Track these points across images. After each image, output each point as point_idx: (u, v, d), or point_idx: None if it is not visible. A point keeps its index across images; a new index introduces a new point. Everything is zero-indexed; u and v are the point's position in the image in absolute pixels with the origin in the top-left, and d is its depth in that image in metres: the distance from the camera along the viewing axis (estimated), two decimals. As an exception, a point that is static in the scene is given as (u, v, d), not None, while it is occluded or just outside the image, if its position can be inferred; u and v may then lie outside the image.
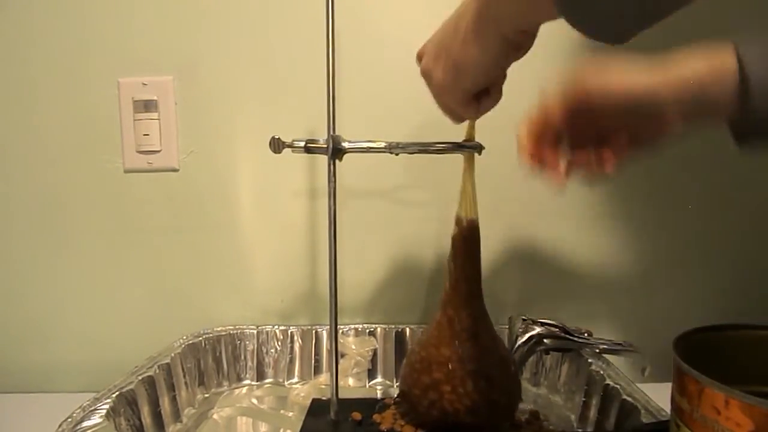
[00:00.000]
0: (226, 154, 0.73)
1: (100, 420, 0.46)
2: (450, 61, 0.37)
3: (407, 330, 0.72)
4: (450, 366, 0.49)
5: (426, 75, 0.41)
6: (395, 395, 0.60)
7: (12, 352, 0.75)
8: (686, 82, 0.38)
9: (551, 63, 0.69)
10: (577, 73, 0.40)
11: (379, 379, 0.70)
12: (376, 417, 0.55)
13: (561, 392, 0.64)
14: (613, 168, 0.40)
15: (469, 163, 0.51)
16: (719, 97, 0.38)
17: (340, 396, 0.56)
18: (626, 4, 0.25)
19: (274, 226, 0.74)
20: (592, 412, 0.56)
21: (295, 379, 0.71)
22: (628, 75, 0.39)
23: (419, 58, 0.42)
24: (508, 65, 0.37)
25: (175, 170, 0.73)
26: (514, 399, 0.52)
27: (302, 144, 0.53)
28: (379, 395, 0.67)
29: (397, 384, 0.70)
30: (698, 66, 0.38)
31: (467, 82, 0.38)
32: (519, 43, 0.35)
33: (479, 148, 0.51)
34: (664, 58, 0.39)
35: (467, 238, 0.50)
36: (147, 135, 0.72)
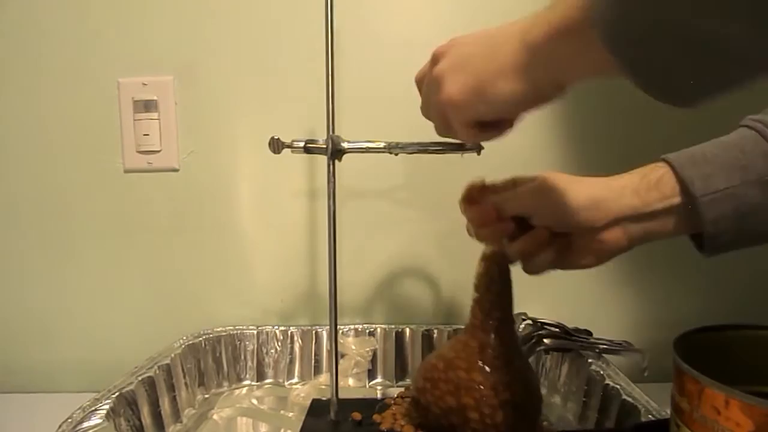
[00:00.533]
0: (226, 154, 0.73)
1: (100, 420, 0.46)
2: (473, 83, 0.34)
3: (407, 330, 0.72)
4: (481, 394, 0.46)
5: (437, 80, 0.37)
6: (395, 395, 0.60)
7: (12, 352, 0.75)
8: (624, 189, 0.41)
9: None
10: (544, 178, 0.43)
11: (379, 379, 0.70)
12: (376, 417, 0.55)
13: (561, 392, 0.64)
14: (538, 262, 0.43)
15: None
16: (657, 203, 0.40)
17: (340, 396, 0.56)
18: (706, 72, 0.23)
19: (274, 226, 0.74)
20: (592, 412, 0.56)
21: (295, 380, 0.71)
22: (578, 185, 0.42)
23: (437, 58, 0.38)
24: (531, 111, 0.35)
25: (175, 170, 0.73)
26: (536, 424, 0.50)
27: (302, 144, 0.53)
28: (379, 395, 0.67)
29: (398, 384, 0.70)
30: (633, 177, 0.42)
31: (482, 110, 0.35)
32: (549, 96, 0.33)
33: (479, 148, 0.51)
34: (605, 176, 0.43)
35: (504, 268, 0.48)
36: (147, 135, 0.72)
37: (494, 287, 0.48)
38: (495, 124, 0.37)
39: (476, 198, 0.45)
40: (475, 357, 0.47)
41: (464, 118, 0.36)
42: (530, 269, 0.44)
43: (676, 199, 0.39)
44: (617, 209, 0.41)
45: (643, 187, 0.41)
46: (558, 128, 0.72)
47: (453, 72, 0.35)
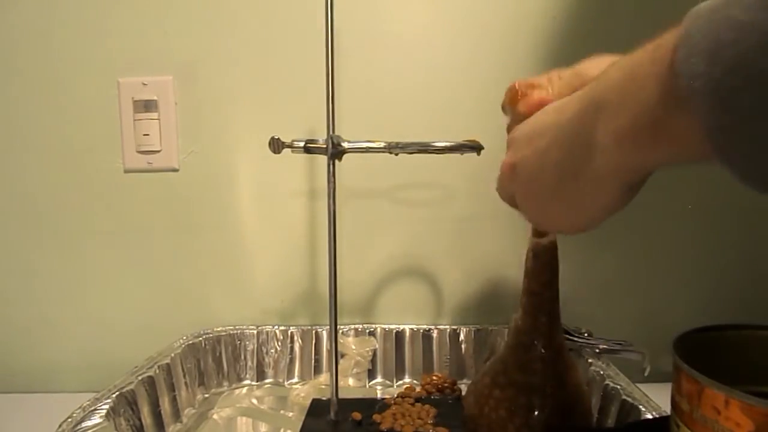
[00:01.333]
0: (226, 154, 0.73)
1: (100, 420, 0.46)
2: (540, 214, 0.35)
3: (407, 330, 0.72)
4: (585, 408, 0.44)
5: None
6: (395, 395, 0.60)
7: (12, 352, 0.75)
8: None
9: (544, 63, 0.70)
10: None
11: (379, 379, 0.70)
12: (376, 417, 0.55)
13: (561, 392, 0.64)
14: None
15: None
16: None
17: (340, 396, 0.55)
18: None
19: (274, 226, 0.74)
20: (592, 412, 0.56)
21: (295, 379, 0.71)
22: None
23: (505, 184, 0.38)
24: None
25: (175, 170, 0.73)
26: None
27: (302, 144, 0.53)
28: (379, 395, 0.67)
29: (398, 384, 0.70)
30: (606, 60, 0.31)
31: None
32: (640, 186, 0.29)
33: (479, 148, 0.51)
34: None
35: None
36: (147, 135, 0.72)
37: (555, 282, 0.45)
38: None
39: (525, 93, 0.40)
40: (560, 370, 0.44)
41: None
42: None
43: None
44: None
45: None
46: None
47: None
